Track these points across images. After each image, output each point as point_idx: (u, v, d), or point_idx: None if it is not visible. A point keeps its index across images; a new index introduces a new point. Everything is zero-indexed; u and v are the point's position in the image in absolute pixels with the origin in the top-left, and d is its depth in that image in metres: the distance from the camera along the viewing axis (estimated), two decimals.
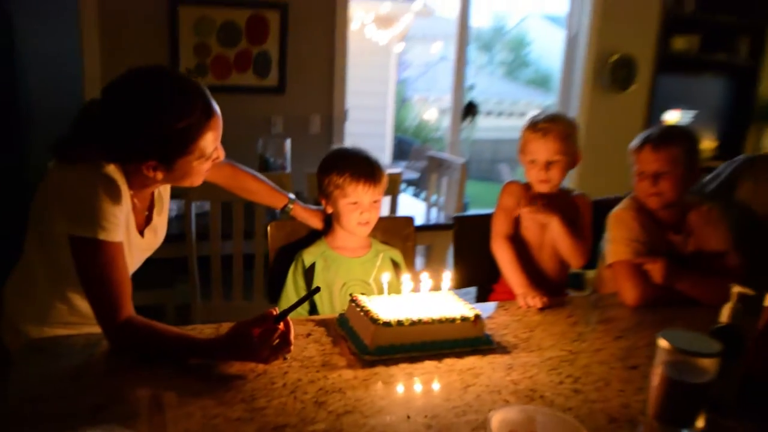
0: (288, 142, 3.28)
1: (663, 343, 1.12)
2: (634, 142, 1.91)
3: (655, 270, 1.75)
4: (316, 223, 1.84)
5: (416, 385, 1.25)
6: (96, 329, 1.35)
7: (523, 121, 1.97)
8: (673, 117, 4.89)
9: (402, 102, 10.73)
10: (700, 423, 1.12)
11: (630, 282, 1.78)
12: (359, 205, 1.69)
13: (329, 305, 1.72)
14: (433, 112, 10.64)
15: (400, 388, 1.24)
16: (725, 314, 1.24)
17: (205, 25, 3.45)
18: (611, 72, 4.51)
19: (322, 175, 1.74)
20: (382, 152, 7.26)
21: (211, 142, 1.35)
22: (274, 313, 1.28)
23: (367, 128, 5.16)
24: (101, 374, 1.27)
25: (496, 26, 12.96)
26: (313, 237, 1.84)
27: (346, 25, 3.77)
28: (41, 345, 1.39)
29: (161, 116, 1.28)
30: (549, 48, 12.91)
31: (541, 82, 12.32)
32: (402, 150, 8.77)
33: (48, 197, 1.36)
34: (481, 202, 7.48)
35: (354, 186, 1.67)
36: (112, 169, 1.34)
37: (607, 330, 1.59)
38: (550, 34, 12.95)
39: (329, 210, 1.75)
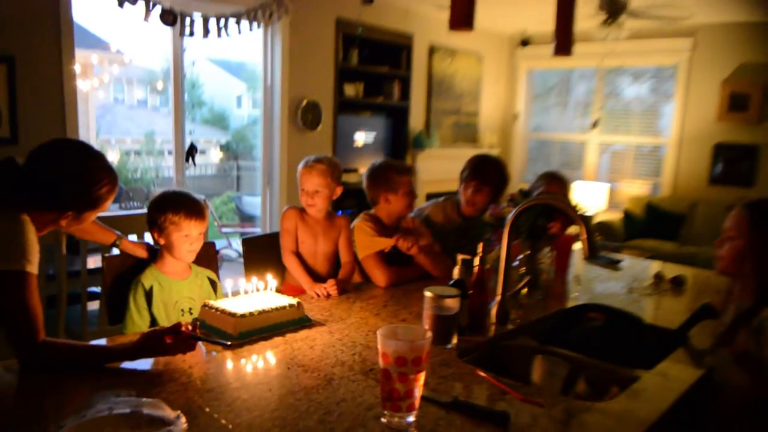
0: None
1: (428, 293, 1.84)
2: (397, 172, 2.65)
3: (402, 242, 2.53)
4: (142, 253, 2.16)
5: (279, 351, 1.77)
6: None
7: (205, 158, 2.61)
8: (361, 138, 6.08)
9: None
10: (455, 340, 1.86)
11: (378, 269, 2.51)
12: (189, 237, 2.08)
13: (166, 319, 2.08)
14: (116, 153, 10.49)
15: (270, 355, 1.74)
16: (456, 273, 2.02)
17: None
18: (302, 115, 5.33)
19: (156, 213, 2.05)
20: None
21: (111, 200, 1.70)
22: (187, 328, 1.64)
23: None
24: (41, 384, 1.47)
25: (168, 68, 13.13)
26: (139, 266, 2.16)
27: (74, 75, 3.90)
28: None
29: (88, 182, 1.62)
30: (219, 89, 13.64)
31: (216, 120, 12.95)
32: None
33: None
34: None
35: (188, 222, 2.05)
36: (25, 215, 1.58)
37: (376, 303, 2.28)
38: (219, 77, 13.72)
39: (162, 242, 2.09)
